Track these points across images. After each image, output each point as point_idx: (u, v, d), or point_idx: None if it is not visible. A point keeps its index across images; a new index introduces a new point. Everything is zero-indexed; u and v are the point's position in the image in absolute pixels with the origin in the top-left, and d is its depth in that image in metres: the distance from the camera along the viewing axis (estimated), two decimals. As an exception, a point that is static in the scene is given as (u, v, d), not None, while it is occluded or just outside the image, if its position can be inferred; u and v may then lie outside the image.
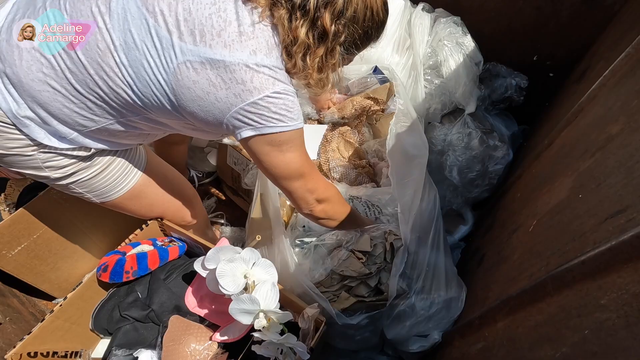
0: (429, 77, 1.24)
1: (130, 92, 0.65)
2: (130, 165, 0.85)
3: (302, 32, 0.61)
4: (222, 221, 1.45)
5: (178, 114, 0.66)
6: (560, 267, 0.49)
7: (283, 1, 0.61)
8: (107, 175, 0.81)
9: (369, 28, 0.67)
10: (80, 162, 0.76)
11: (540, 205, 0.73)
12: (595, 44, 1.11)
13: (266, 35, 0.62)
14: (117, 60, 0.62)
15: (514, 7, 1.19)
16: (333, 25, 0.62)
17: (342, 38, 0.65)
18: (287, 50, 0.64)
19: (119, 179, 0.84)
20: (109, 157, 0.80)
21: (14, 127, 0.67)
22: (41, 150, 0.70)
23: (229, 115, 0.64)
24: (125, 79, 0.63)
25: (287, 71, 0.66)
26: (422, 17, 1.23)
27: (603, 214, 0.46)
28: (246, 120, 0.64)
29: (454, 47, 1.20)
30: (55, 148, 0.71)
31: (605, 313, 0.37)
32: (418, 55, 1.21)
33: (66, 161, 0.74)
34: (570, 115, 0.83)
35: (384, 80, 1.21)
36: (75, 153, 0.74)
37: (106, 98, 0.65)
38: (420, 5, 1.27)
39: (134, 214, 0.95)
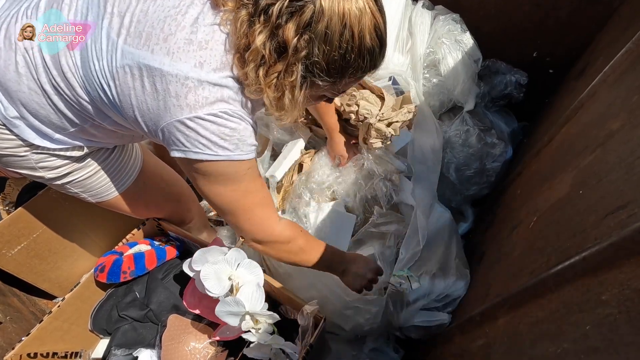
0: (427, 75, 1.23)
1: (84, 95, 0.62)
2: (126, 166, 0.85)
3: (258, 39, 0.53)
4: (222, 219, 1.44)
5: (124, 117, 0.62)
6: (561, 264, 0.49)
7: (249, 4, 0.54)
8: (102, 176, 0.81)
9: (348, 53, 0.55)
10: (74, 163, 0.76)
11: (540, 202, 0.73)
12: (595, 40, 1.11)
13: (222, 47, 0.56)
14: (73, 61, 0.60)
15: (513, 4, 1.18)
16: (296, 39, 0.53)
17: (303, 54, 0.54)
18: (241, 56, 0.55)
19: (114, 179, 0.83)
20: (103, 157, 0.80)
21: (4, 127, 0.66)
22: (34, 151, 0.70)
23: (160, 128, 0.59)
24: (78, 81, 0.61)
25: (239, 82, 0.58)
26: (422, 15, 1.23)
27: (604, 210, 0.46)
28: (173, 139, 0.58)
29: (453, 44, 1.19)
30: (47, 149, 0.70)
31: (607, 309, 0.37)
32: (419, 54, 1.21)
33: (59, 162, 0.74)
34: (571, 112, 0.83)
35: (401, 91, 1.21)
36: (68, 154, 0.73)
37: (69, 100, 0.63)
38: (420, 2, 1.27)
39: (131, 214, 0.94)
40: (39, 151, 0.70)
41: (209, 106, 0.56)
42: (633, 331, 0.33)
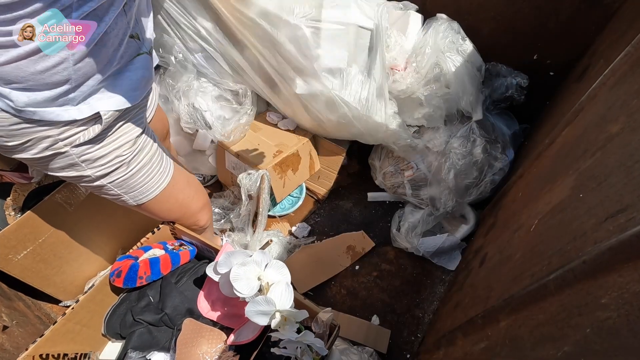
0: (434, 87, 1.22)
1: None
2: (161, 165, 0.86)
3: None
4: (228, 225, 1.45)
5: None
6: (561, 267, 0.49)
7: None
8: (145, 173, 0.82)
9: None
10: (120, 156, 0.76)
11: (541, 205, 0.73)
12: (595, 42, 1.11)
13: None
14: None
15: (513, 6, 1.19)
16: None
17: None
18: None
19: (154, 178, 0.85)
20: (147, 148, 0.81)
21: (27, 122, 0.65)
22: (73, 145, 0.70)
23: None
24: None
25: None
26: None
27: (603, 213, 0.46)
28: None
29: (455, 56, 1.19)
30: (76, 121, 0.68)
31: (606, 312, 0.38)
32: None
33: (101, 151, 0.74)
34: (571, 115, 0.83)
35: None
36: (97, 128, 0.70)
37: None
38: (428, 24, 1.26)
39: (158, 217, 0.96)
40: (79, 143, 0.70)
41: None
42: (631, 334, 0.33)
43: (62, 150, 0.71)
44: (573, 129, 0.81)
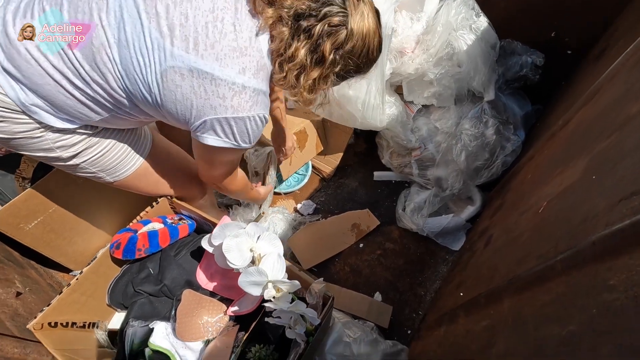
0: (445, 70, 1.17)
1: (119, 88, 0.67)
2: (139, 141, 0.87)
3: (301, 53, 0.66)
4: (234, 201, 1.46)
5: (160, 109, 0.70)
6: (570, 248, 0.49)
7: (289, 21, 0.64)
8: (118, 151, 0.83)
9: (363, 64, 0.73)
10: (90, 139, 0.77)
11: (552, 187, 0.72)
12: (615, 21, 1.07)
13: (258, 53, 0.66)
14: (110, 56, 0.64)
15: (532, -20, 1.14)
16: (331, 55, 0.67)
17: (338, 68, 0.70)
18: (280, 64, 0.68)
19: (129, 155, 0.85)
20: (116, 132, 0.82)
21: (22, 113, 0.67)
22: (50, 129, 0.71)
23: (199, 122, 0.69)
24: (116, 75, 0.65)
25: (276, 82, 0.70)
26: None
27: (617, 195, 0.46)
28: (209, 129, 0.70)
29: (468, 34, 1.14)
30: (65, 129, 0.72)
31: (614, 293, 0.37)
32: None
33: (76, 138, 0.75)
34: (588, 95, 0.81)
35: None
36: (83, 130, 0.75)
37: (101, 92, 0.67)
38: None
39: (143, 192, 0.96)
40: (56, 129, 0.71)
41: (247, 110, 0.68)
42: (639, 316, 0.33)
43: (37, 135, 0.71)
44: (589, 109, 0.78)
